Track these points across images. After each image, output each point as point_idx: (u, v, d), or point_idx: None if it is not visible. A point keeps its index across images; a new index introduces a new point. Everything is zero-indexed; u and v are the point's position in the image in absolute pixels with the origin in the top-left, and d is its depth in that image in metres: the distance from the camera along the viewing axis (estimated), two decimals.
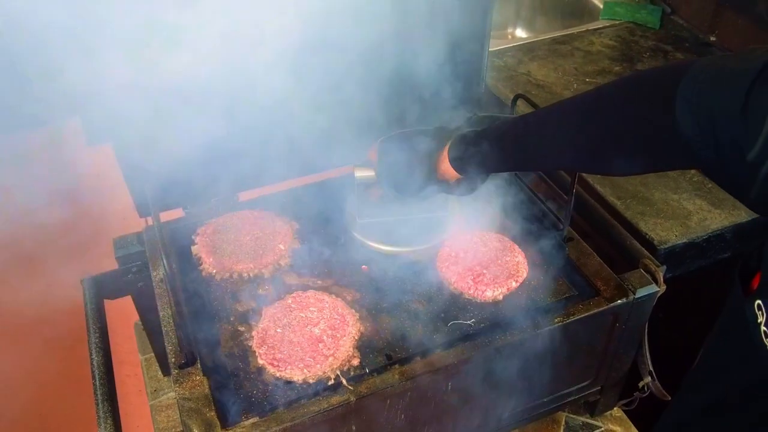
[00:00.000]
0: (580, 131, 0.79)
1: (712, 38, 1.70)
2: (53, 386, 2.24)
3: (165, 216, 1.11)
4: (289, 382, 0.88)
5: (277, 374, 0.89)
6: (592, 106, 0.79)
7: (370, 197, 1.10)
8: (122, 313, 1.22)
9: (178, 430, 0.84)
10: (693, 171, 1.32)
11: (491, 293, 1.00)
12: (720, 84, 0.64)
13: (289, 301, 0.99)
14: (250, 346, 0.93)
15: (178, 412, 0.85)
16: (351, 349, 0.92)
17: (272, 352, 0.91)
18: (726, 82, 0.63)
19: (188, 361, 0.88)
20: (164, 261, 0.86)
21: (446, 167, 0.95)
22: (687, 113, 0.65)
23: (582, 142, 0.79)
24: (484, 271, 1.02)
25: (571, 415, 1.17)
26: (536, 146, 0.88)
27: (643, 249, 1.05)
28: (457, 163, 0.94)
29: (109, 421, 0.88)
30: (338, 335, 0.93)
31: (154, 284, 1.01)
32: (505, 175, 1.20)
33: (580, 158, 0.84)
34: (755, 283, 0.76)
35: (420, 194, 1.03)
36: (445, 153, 0.95)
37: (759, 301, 0.68)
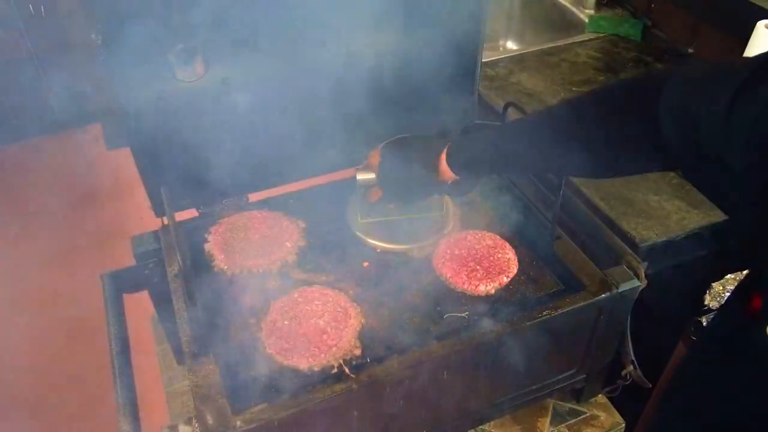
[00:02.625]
0: (565, 139, 0.78)
1: (691, 50, 1.70)
2: (75, 375, 2.24)
3: (180, 216, 1.11)
4: (295, 371, 0.88)
5: (284, 363, 0.89)
6: (578, 114, 0.78)
7: (371, 198, 1.10)
8: (140, 307, 1.21)
9: (192, 415, 0.84)
10: (672, 174, 1.32)
11: (484, 288, 1.00)
12: (703, 91, 0.62)
13: (296, 295, 0.99)
14: (259, 337, 0.93)
15: (191, 399, 0.85)
16: (353, 339, 0.92)
17: (280, 342, 0.91)
18: (709, 90, 0.61)
19: (201, 351, 0.88)
20: (179, 258, 0.87)
21: (444, 169, 0.95)
22: (669, 120, 0.64)
23: (566, 149, 0.78)
24: (478, 267, 1.03)
25: (559, 402, 1.17)
26: (524, 154, 0.87)
27: (626, 246, 1.05)
28: (454, 166, 0.94)
29: (127, 408, 0.88)
30: (341, 327, 0.93)
31: (169, 279, 1.01)
32: (498, 177, 1.20)
33: (566, 164, 0.84)
34: (756, 305, 0.74)
35: (419, 198, 1.03)
36: (444, 156, 0.95)
37: None
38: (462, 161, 0.93)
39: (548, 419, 1.14)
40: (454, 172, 0.95)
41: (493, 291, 1.00)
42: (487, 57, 1.68)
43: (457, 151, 0.94)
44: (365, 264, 1.08)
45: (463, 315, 0.98)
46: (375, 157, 1.04)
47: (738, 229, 1.18)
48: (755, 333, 0.69)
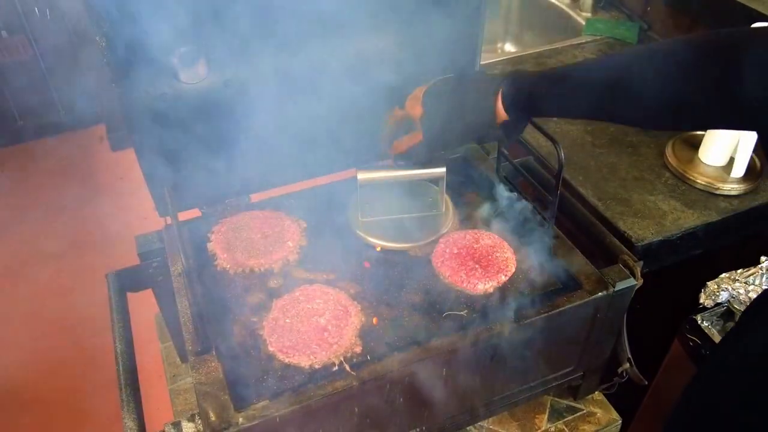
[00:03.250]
0: (648, 86, 0.73)
1: None
2: (80, 372, 2.25)
3: (182, 216, 1.11)
4: (296, 368, 0.88)
5: (286, 360, 0.89)
6: (665, 61, 0.73)
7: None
8: (144, 305, 1.22)
9: (195, 412, 0.84)
10: (668, 174, 1.32)
11: (483, 286, 1.00)
12: None
13: (297, 294, 0.99)
14: (261, 335, 0.93)
15: (194, 396, 0.85)
16: (354, 337, 0.92)
17: (281, 340, 0.91)
18: None
19: (204, 348, 0.88)
20: (182, 257, 0.87)
21: (498, 108, 0.89)
22: (756, 76, 0.61)
23: (635, 92, 0.74)
24: (476, 266, 1.03)
25: (556, 399, 1.17)
26: (589, 93, 0.82)
27: (622, 246, 1.05)
28: (512, 105, 0.88)
29: (131, 404, 0.88)
30: (342, 325, 0.93)
31: (172, 278, 1.01)
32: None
33: (629, 109, 0.78)
34: None
35: (465, 142, 0.96)
36: (499, 95, 0.89)
37: None
38: (522, 98, 0.87)
39: (546, 416, 1.14)
40: (508, 112, 0.89)
41: (491, 290, 1.00)
42: (485, 59, 1.68)
43: (517, 90, 0.87)
44: (366, 263, 1.08)
45: (461, 313, 0.98)
46: (413, 103, 0.99)
47: None
48: None
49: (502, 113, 0.90)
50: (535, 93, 0.87)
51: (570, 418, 1.14)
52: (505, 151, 1.15)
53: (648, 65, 0.75)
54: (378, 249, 1.10)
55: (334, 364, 0.88)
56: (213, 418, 0.80)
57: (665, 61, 0.73)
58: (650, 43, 0.75)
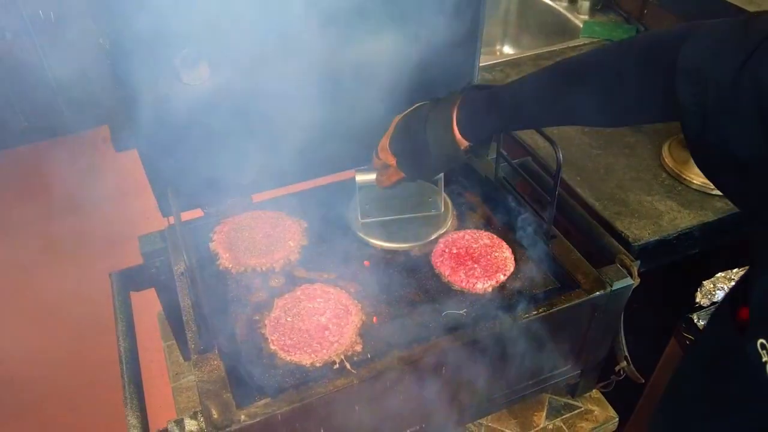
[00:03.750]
0: (581, 82, 0.75)
1: None
2: (84, 370, 2.24)
3: (185, 216, 1.11)
4: (298, 366, 0.89)
5: (288, 358, 0.89)
6: (596, 59, 0.75)
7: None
8: (147, 304, 1.21)
9: (197, 409, 0.84)
10: (664, 175, 1.32)
11: (481, 285, 1.00)
12: (716, 55, 0.59)
13: (298, 293, 0.99)
14: (263, 333, 0.94)
15: (197, 394, 0.85)
16: (354, 336, 0.92)
17: (283, 338, 0.91)
18: (722, 54, 0.58)
19: (206, 347, 0.88)
20: (185, 256, 0.86)
21: (458, 137, 0.92)
22: (684, 78, 0.61)
23: (580, 93, 0.76)
24: (475, 266, 1.03)
25: (554, 397, 1.17)
26: (535, 104, 0.84)
27: (619, 245, 1.05)
28: (466, 134, 0.91)
29: (134, 402, 0.88)
30: (342, 323, 0.93)
31: (175, 277, 1.00)
32: (488, 183, 1.20)
33: (575, 110, 0.81)
34: (743, 315, 0.71)
35: (439, 171, 0.99)
36: (455, 126, 0.91)
37: (762, 340, 0.63)
38: (472, 129, 0.90)
39: (544, 413, 1.14)
40: (467, 139, 0.91)
41: (490, 289, 1.00)
42: (484, 61, 1.68)
43: (467, 120, 0.90)
44: (366, 263, 1.08)
45: (460, 312, 0.98)
46: (384, 154, 1.02)
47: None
48: (741, 349, 0.66)
49: (464, 142, 0.93)
50: (485, 123, 0.90)
51: (568, 415, 1.14)
52: (504, 152, 1.15)
53: (591, 75, 0.76)
54: (378, 249, 1.11)
55: (335, 362, 0.88)
56: (215, 416, 0.80)
57: (607, 73, 0.74)
58: (596, 48, 0.76)
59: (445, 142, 0.92)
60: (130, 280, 1.08)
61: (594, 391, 1.18)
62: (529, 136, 1.39)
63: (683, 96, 0.62)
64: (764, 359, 0.63)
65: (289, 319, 0.94)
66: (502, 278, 1.02)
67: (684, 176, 1.30)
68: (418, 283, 1.04)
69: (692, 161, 1.33)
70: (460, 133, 0.91)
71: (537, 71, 0.85)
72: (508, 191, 1.18)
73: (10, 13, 3.01)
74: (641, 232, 1.17)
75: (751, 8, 1.48)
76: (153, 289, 1.12)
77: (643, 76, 0.69)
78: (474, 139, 0.92)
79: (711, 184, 1.27)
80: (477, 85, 0.96)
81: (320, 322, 0.94)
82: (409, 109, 0.99)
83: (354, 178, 1.10)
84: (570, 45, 1.81)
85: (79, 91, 3.18)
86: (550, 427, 1.12)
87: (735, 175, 0.63)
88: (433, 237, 1.11)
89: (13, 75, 3.15)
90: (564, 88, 0.80)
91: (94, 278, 1.50)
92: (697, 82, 0.60)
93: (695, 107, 0.61)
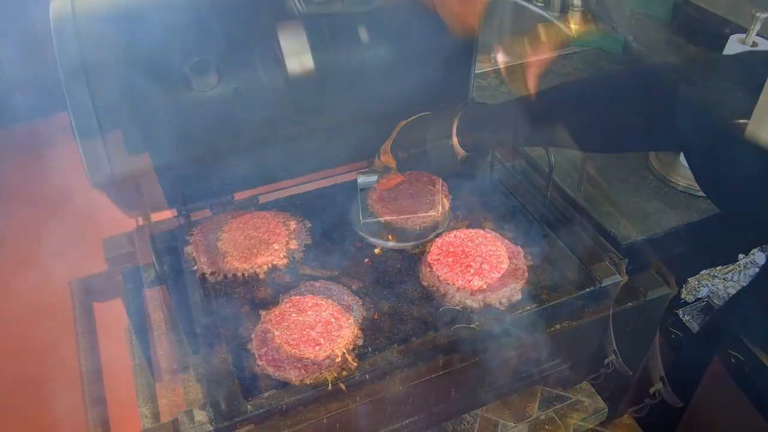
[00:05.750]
0: (585, 117, 0.77)
1: None
2: (43, 389, 1.93)
3: (193, 216, 1.10)
4: (301, 359, 0.89)
5: (292, 352, 0.89)
6: (599, 95, 0.77)
7: (387, 185, 1.10)
8: (113, 315, 1.05)
9: (206, 400, 0.84)
10: (651, 177, 1.33)
11: (477, 283, 1.00)
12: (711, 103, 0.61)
13: (302, 290, 0.99)
14: (269, 328, 0.93)
15: (206, 386, 0.84)
16: (356, 330, 0.93)
17: (288, 332, 0.91)
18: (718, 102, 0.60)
19: (214, 341, 0.88)
20: (155, 262, 0.76)
21: (457, 147, 0.96)
22: (687, 114, 0.63)
23: (585, 126, 0.78)
24: (471, 264, 1.03)
25: (546, 388, 1.18)
26: (525, 126, 0.87)
27: (608, 244, 1.05)
28: (464, 145, 0.94)
29: (98, 429, 0.80)
30: (345, 318, 0.94)
31: (144, 286, 0.91)
32: (485, 180, 1.20)
33: (568, 138, 0.82)
34: None
35: (438, 174, 1.03)
36: (455, 137, 0.95)
37: None
38: (470, 141, 0.94)
39: (537, 404, 1.15)
40: (466, 150, 0.96)
41: (485, 286, 1.00)
42: (479, 69, 1.68)
43: (466, 132, 0.94)
44: (366, 261, 1.09)
45: (457, 308, 0.98)
46: (386, 157, 1.04)
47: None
48: None
49: (461, 151, 0.96)
50: (484, 132, 0.93)
51: (560, 406, 1.15)
52: (499, 155, 1.16)
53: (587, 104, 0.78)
54: (378, 248, 1.11)
55: (337, 356, 0.88)
56: (223, 407, 0.80)
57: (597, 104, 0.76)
58: (589, 78, 0.78)
59: (445, 150, 0.96)
60: (93, 289, 0.96)
61: (584, 383, 1.18)
62: None
63: (687, 132, 0.64)
64: None
65: (293, 314, 0.94)
66: (497, 275, 1.02)
67: (670, 178, 1.30)
68: (416, 280, 1.04)
69: (678, 164, 1.34)
70: (459, 144, 0.95)
71: (530, 96, 0.88)
72: (502, 192, 1.18)
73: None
74: (629, 232, 1.18)
75: (732, 18, 1.48)
76: (119, 299, 0.99)
77: (636, 107, 0.70)
78: (471, 150, 0.96)
79: (696, 186, 1.28)
80: (479, 102, 1.00)
81: (323, 318, 0.94)
82: (412, 117, 1.01)
83: (356, 180, 1.11)
84: (561, 53, 1.81)
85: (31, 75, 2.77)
86: (543, 417, 1.13)
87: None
88: (431, 236, 1.11)
89: (19, 77, 3.03)
90: (555, 116, 0.82)
91: (53, 286, 1.24)
92: (698, 116, 0.63)
93: (695, 141, 0.63)
